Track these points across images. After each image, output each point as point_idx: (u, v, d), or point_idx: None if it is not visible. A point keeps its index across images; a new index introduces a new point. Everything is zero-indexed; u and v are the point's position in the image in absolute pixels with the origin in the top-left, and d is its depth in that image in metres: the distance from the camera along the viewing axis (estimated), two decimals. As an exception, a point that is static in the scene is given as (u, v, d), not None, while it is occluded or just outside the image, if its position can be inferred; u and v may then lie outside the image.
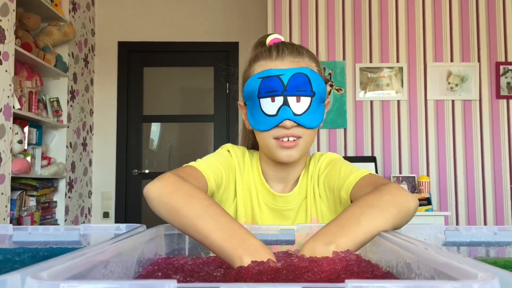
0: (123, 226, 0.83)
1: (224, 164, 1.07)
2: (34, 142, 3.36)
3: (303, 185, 1.10)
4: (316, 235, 0.72)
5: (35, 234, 0.83)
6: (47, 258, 0.73)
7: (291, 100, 0.98)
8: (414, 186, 3.47)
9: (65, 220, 3.65)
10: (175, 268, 0.72)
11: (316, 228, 0.90)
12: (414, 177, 3.52)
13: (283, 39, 1.09)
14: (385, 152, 3.61)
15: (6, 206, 2.79)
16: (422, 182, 3.42)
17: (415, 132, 3.61)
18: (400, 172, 3.60)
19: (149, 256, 0.73)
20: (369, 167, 3.50)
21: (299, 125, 0.99)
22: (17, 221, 3.10)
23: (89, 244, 0.84)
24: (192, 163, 1.02)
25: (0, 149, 2.73)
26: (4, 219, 2.77)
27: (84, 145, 4.06)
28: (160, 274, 0.61)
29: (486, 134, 3.58)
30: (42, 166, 3.42)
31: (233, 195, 1.10)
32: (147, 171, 4.28)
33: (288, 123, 0.98)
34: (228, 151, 1.12)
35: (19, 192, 3.18)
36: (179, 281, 0.55)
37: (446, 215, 3.24)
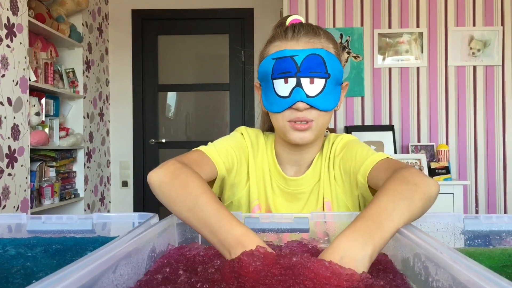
0: (135, 216, 0.83)
1: (236, 147, 1.06)
2: (51, 114, 3.38)
3: (317, 167, 1.08)
4: (352, 231, 0.66)
5: (49, 223, 0.83)
6: (60, 252, 0.73)
7: (304, 81, 0.96)
8: (432, 155, 3.42)
9: (85, 190, 3.71)
10: (187, 259, 0.71)
11: (330, 217, 0.89)
12: (433, 145, 3.46)
13: (303, 20, 1.05)
14: (403, 121, 3.55)
15: (26, 178, 2.84)
16: (441, 151, 3.36)
17: (435, 99, 3.53)
18: (418, 141, 3.54)
19: (161, 249, 0.72)
20: (387, 136, 3.46)
21: (312, 107, 0.97)
22: (37, 191, 3.16)
23: (103, 232, 0.84)
24: (201, 147, 1.01)
25: (18, 121, 2.76)
26: (25, 190, 2.83)
27: (101, 115, 4.08)
28: (168, 270, 0.61)
29: (508, 101, 3.48)
30: (60, 137, 3.45)
31: (246, 178, 1.09)
32: (163, 140, 4.29)
33: (300, 105, 0.96)
34: (242, 134, 1.12)
35: (39, 163, 3.22)
36: (182, 283, 0.54)
37: (465, 184, 3.19)
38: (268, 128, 1.17)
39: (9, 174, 2.65)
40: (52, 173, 3.38)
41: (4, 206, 2.62)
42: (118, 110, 4.27)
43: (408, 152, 3.45)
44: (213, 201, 0.75)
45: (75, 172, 3.70)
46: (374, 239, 0.65)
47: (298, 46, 0.97)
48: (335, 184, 1.06)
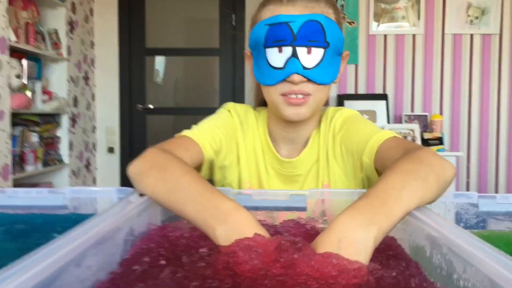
0: (113, 191, 0.74)
1: (223, 127, 0.97)
2: (33, 77, 3.23)
3: (314, 146, 0.99)
4: (353, 210, 0.57)
5: (16, 197, 0.74)
6: (24, 233, 0.65)
7: (301, 51, 0.86)
8: (426, 125, 3.36)
9: (70, 156, 3.60)
10: (169, 242, 0.63)
11: (328, 194, 0.81)
12: (426, 115, 3.40)
13: None
14: (397, 90, 3.47)
15: (7, 143, 2.73)
16: (435, 121, 3.30)
17: (430, 68, 3.44)
18: (412, 111, 3.47)
19: (141, 230, 0.64)
20: (380, 105, 3.38)
21: (309, 80, 0.87)
22: (20, 157, 3.06)
23: (77, 209, 0.75)
24: (185, 132, 0.92)
25: (-3, 84, 2.62)
26: (6, 156, 2.72)
27: (86, 79, 3.93)
28: (148, 259, 0.53)
29: (504, 71, 3.41)
30: (43, 101, 3.32)
31: (236, 159, 1.00)
32: (151, 106, 4.17)
33: (296, 77, 0.86)
34: (229, 111, 1.02)
35: (21, 128, 3.10)
36: (166, 278, 0.46)
37: (458, 155, 3.15)
38: (263, 101, 1.05)
39: (-12, 139, 2.54)
40: (35, 138, 3.26)
41: (-16, 172, 2.52)
42: (104, 74, 4.12)
43: (401, 122, 3.39)
44: (198, 180, 0.66)
45: (59, 137, 3.58)
46: (378, 219, 0.56)
47: (295, 11, 0.87)
48: (336, 165, 0.97)
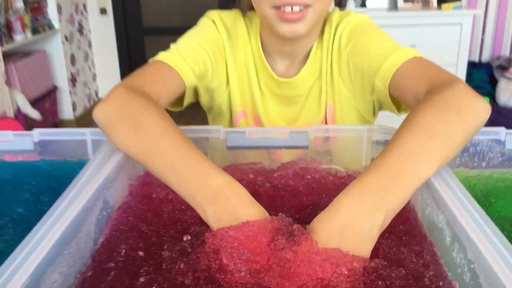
0: (86, 134, 0.65)
1: (208, 44, 0.80)
2: None
3: (316, 61, 0.84)
4: (359, 190, 0.49)
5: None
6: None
7: None
8: (443, -21, 3.06)
9: (60, 21, 3.39)
10: (154, 206, 0.56)
11: (335, 131, 0.71)
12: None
13: None
14: None
15: (-11, 13, 2.53)
16: (454, -26, 2.99)
17: None
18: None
19: (117, 195, 0.56)
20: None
21: None
22: (6, 27, 2.87)
23: (48, 154, 0.66)
24: (161, 56, 0.76)
25: None
26: (-10, 27, 2.55)
27: None
28: (123, 251, 0.46)
29: None
30: (21, -39, 3.00)
31: (225, 80, 0.85)
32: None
33: None
34: (214, 21, 0.84)
35: (1, -7, 2.86)
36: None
37: (475, 13, 2.92)
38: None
39: (-33, 11, 2.34)
40: (19, 3, 3.02)
41: (-31, 48, 2.37)
42: None
43: (417, -24, 3.08)
44: (179, 143, 0.55)
45: (45, 1, 3.33)
46: (388, 202, 0.47)
47: None
48: (341, 84, 0.83)
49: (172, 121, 0.58)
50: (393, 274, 0.42)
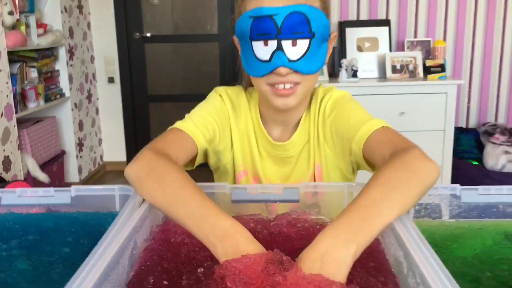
0: (115, 189, 0.78)
1: (216, 114, 0.99)
2: (26, 10, 3.15)
3: (305, 128, 1.02)
4: (335, 228, 0.62)
5: (25, 197, 0.78)
6: (35, 245, 0.70)
7: (286, 44, 0.86)
8: (428, 51, 3.31)
9: (70, 89, 3.61)
10: (171, 251, 0.68)
11: (321, 187, 0.85)
12: (429, 41, 3.34)
13: None
14: (400, 14, 3.37)
15: (7, 83, 2.73)
16: (438, 47, 3.24)
17: (435, -9, 3.31)
18: (415, 36, 3.40)
19: (144, 238, 0.69)
20: (382, 32, 3.30)
21: (295, 71, 0.88)
22: (21, 95, 3.07)
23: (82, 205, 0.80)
24: (177, 124, 0.93)
25: (-10, 24, 2.57)
26: (7, 95, 2.73)
27: (80, 7, 3.82)
28: (152, 280, 0.58)
29: (512, -6, 3.28)
30: (38, 35, 3.25)
31: (229, 144, 1.03)
32: (148, 34, 4.08)
33: (282, 70, 0.87)
34: (220, 96, 1.03)
35: (18, 65, 3.08)
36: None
37: (459, 83, 3.13)
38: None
39: (-12, 82, 2.54)
40: (34, 74, 3.24)
41: (-13, 115, 2.55)
42: (97, 1, 3.99)
43: (403, 49, 3.33)
44: (196, 194, 0.70)
45: (58, 71, 3.56)
46: (358, 237, 0.61)
47: (278, 3, 0.85)
48: (326, 147, 1.00)
49: (189, 176, 0.73)
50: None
